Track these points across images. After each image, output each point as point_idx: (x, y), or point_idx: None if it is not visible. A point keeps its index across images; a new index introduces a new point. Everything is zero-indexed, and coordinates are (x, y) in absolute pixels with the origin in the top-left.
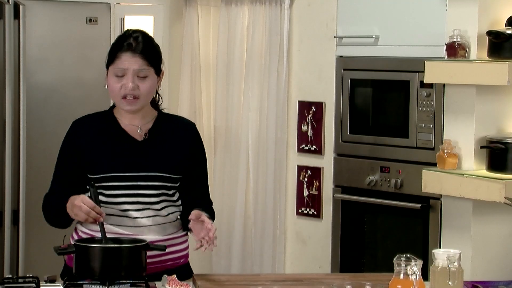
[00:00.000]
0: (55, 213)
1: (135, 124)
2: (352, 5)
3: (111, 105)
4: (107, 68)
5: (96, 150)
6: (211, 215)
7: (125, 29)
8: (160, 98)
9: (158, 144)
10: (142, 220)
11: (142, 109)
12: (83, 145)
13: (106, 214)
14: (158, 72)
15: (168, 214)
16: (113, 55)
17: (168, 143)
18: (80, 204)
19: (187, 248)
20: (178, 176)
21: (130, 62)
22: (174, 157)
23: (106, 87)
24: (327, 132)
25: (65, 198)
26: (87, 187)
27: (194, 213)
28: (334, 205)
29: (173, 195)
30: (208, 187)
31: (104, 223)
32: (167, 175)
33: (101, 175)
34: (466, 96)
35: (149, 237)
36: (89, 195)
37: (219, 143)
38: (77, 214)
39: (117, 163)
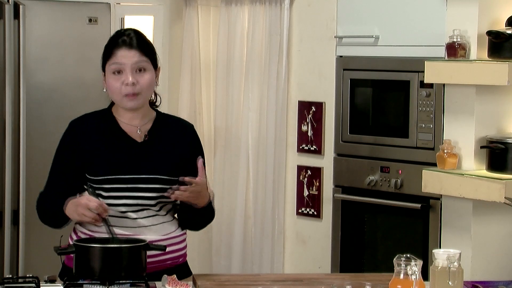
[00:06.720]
0: (51, 212)
1: (134, 124)
2: (352, 5)
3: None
4: (104, 69)
5: (95, 152)
6: (211, 212)
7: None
8: (159, 99)
9: (157, 146)
10: (142, 221)
11: (142, 108)
12: (82, 145)
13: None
14: (155, 66)
15: (167, 212)
16: (108, 53)
17: (168, 145)
18: (86, 201)
19: (185, 247)
20: (176, 178)
21: (127, 56)
22: (173, 159)
23: (104, 90)
24: (327, 132)
25: (61, 198)
26: (85, 187)
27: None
28: (334, 205)
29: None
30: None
31: (101, 223)
32: (166, 177)
33: (102, 177)
34: (466, 96)
35: (149, 236)
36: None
37: (219, 143)
38: (83, 213)
39: (117, 166)
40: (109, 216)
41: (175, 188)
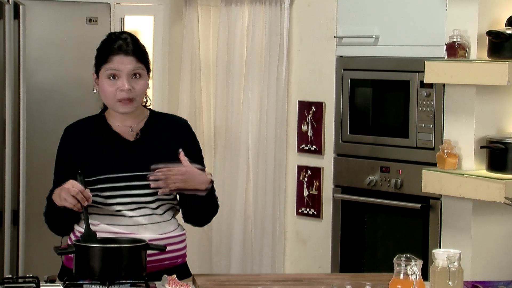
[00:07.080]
0: (58, 218)
1: (127, 125)
2: (352, 5)
3: (101, 108)
4: (97, 71)
5: (89, 154)
6: (215, 203)
7: (124, 29)
8: (149, 100)
9: (150, 143)
10: (138, 219)
11: (135, 111)
12: (77, 150)
13: (102, 215)
14: (149, 71)
15: (164, 212)
16: (104, 58)
17: (161, 142)
18: (69, 186)
19: (184, 247)
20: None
21: (123, 63)
22: (167, 155)
23: (95, 91)
24: (327, 132)
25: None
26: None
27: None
28: (334, 205)
29: (169, 193)
30: None
31: (98, 222)
32: None
33: (95, 178)
34: (466, 96)
35: (146, 235)
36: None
37: (219, 143)
38: (65, 198)
39: (109, 165)
40: (105, 215)
41: (152, 178)
